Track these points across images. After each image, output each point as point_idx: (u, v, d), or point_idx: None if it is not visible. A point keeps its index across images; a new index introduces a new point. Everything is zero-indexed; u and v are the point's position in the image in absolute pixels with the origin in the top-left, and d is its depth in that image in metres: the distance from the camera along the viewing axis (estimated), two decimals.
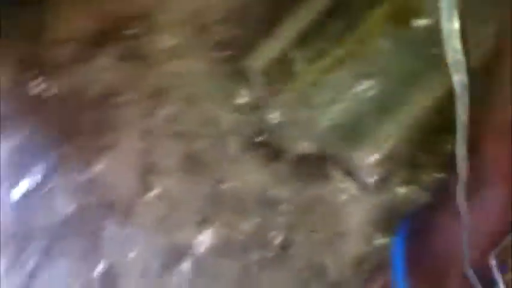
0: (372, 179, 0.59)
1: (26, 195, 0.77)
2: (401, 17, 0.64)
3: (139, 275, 0.67)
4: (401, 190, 0.60)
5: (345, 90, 0.64)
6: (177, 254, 0.67)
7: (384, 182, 0.61)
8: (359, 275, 0.58)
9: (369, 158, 0.58)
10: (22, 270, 0.73)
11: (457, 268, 0.51)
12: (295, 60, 0.66)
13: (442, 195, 0.54)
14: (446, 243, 0.52)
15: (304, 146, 0.66)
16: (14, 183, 0.79)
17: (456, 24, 0.35)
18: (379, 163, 0.58)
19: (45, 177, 0.78)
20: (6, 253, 0.75)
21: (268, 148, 0.69)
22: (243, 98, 0.72)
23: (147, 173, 0.72)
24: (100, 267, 0.69)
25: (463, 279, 0.50)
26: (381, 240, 0.59)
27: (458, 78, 0.37)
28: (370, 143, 0.58)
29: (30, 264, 0.73)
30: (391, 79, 0.61)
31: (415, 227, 0.55)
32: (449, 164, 0.46)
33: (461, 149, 0.42)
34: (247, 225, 0.65)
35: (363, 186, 0.62)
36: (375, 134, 0.58)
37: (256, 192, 0.66)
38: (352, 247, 0.60)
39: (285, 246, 0.63)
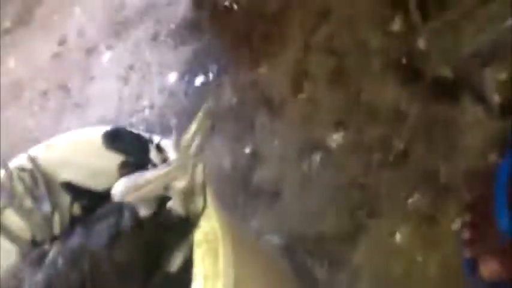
0: (497, 100, 0.64)
1: (202, 86, 0.94)
2: None
3: (279, 158, 0.80)
4: None
5: (493, 24, 0.69)
6: (312, 146, 0.78)
7: (508, 108, 0.65)
8: (467, 183, 0.64)
9: (499, 75, 0.62)
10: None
11: None
12: None
13: None
14: None
15: (443, 71, 0.72)
16: (194, 76, 0.96)
17: None
18: (506, 84, 0.62)
19: (218, 75, 0.94)
20: (176, 126, 0.93)
21: (409, 70, 0.76)
22: (396, 24, 0.80)
23: (299, 79, 0.85)
24: (248, 149, 0.83)
25: None
26: (494, 158, 0.65)
27: None
28: (504, 64, 0.63)
29: None
30: None
31: None
32: None
33: None
34: (375, 132, 0.74)
35: (488, 110, 0.67)
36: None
37: (389, 105, 0.75)
38: (466, 160, 0.66)
39: (405, 153, 0.71)
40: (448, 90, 0.71)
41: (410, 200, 0.68)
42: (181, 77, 0.96)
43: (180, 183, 0.47)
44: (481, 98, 0.67)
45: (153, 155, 0.50)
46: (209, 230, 0.48)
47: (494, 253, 0.58)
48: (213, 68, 0.94)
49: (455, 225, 0.65)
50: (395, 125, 0.73)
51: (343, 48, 0.82)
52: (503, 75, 0.64)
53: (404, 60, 0.76)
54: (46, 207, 0.53)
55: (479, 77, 0.67)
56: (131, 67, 1.02)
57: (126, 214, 0.48)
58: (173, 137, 0.51)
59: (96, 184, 0.56)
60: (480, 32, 0.70)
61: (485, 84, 0.65)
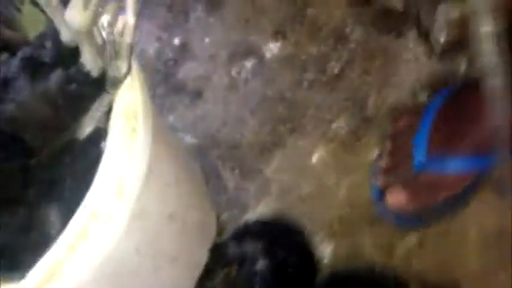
0: (442, 40, 0.64)
1: None
2: None
3: (209, 58, 0.75)
4: (462, 65, 0.65)
5: None
6: (246, 51, 0.74)
7: (450, 51, 0.65)
8: (391, 117, 0.64)
9: (449, 14, 0.62)
10: None
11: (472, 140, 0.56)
12: None
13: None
14: (473, 118, 0.57)
15: (393, 1, 0.70)
16: None
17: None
18: (457, 24, 0.62)
19: None
20: None
21: None
22: None
23: None
24: (178, 41, 0.78)
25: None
26: (424, 99, 0.65)
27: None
28: (459, 2, 0.62)
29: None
30: None
31: (456, 96, 0.60)
32: None
33: None
34: (314, 50, 0.72)
35: (429, 50, 0.66)
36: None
37: (334, 25, 0.72)
38: (396, 96, 0.66)
39: (338, 76, 0.69)
40: (394, 23, 0.69)
41: (333, 124, 0.68)
42: None
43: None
44: (424, 37, 0.66)
45: None
46: (130, 104, 0.43)
47: (403, 184, 0.59)
48: None
49: (372, 155, 0.65)
50: (335, 47, 0.70)
51: None
52: (456, 13, 0.63)
53: None
54: None
55: (428, 14, 0.65)
56: None
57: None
58: None
59: None
60: None
61: (435, 22, 0.64)
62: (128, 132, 0.45)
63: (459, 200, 0.60)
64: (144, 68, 0.80)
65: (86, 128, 0.45)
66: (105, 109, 0.45)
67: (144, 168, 0.45)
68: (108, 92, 0.45)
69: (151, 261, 0.48)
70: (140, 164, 0.44)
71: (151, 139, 0.46)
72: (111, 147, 0.44)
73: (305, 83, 0.70)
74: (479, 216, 0.60)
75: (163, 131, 0.55)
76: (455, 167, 0.57)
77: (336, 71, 0.69)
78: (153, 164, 0.46)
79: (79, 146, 0.44)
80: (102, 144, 0.44)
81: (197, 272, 0.54)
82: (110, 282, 0.43)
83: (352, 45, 0.70)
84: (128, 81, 0.45)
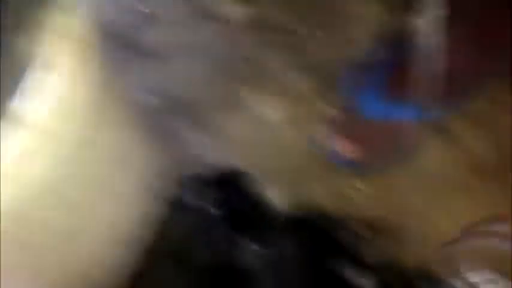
0: None
1: None
2: None
3: (172, 22, 0.75)
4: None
5: None
6: (209, 15, 0.74)
7: (406, 7, 0.66)
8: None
9: None
10: None
11: None
12: None
13: None
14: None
15: None
16: None
17: None
18: None
19: None
20: None
21: None
22: None
23: None
24: (140, 6, 0.77)
25: None
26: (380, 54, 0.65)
27: None
28: None
29: None
30: None
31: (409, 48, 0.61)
32: None
33: None
34: (278, 13, 0.72)
35: (388, 7, 0.67)
36: None
37: None
38: (355, 53, 0.67)
39: (301, 38, 0.70)
40: None
41: (295, 83, 0.68)
42: None
43: None
44: None
45: None
46: (78, 31, 0.43)
47: (352, 134, 0.60)
48: None
49: (332, 110, 0.65)
50: (299, 9, 0.71)
51: None
52: None
53: None
54: None
55: None
56: None
57: None
58: None
59: None
60: None
61: None
62: (78, 58, 0.44)
63: (408, 148, 0.60)
64: (105, 33, 0.79)
65: (34, 54, 0.45)
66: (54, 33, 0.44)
67: (93, 96, 0.44)
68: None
69: (96, 190, 0.47)
70: (89, 90, 0.44)
71: (100, 68, 0.45)
72: (60, 71, 0.43)
73: (267, 45, 0.70)
74: (428, 164, 0.60)
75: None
76: (404, 115, 0.58)
77: (302, 31, 0.70)
78: (102, 94, 0.45)
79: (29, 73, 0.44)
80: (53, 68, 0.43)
81: (142, 215, 0.54)
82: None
83: (314, 7, 0.71)
84: (76, 11, 0.45)
